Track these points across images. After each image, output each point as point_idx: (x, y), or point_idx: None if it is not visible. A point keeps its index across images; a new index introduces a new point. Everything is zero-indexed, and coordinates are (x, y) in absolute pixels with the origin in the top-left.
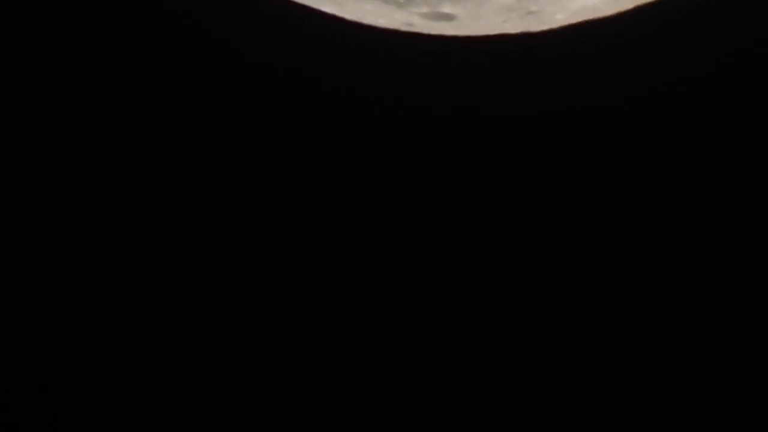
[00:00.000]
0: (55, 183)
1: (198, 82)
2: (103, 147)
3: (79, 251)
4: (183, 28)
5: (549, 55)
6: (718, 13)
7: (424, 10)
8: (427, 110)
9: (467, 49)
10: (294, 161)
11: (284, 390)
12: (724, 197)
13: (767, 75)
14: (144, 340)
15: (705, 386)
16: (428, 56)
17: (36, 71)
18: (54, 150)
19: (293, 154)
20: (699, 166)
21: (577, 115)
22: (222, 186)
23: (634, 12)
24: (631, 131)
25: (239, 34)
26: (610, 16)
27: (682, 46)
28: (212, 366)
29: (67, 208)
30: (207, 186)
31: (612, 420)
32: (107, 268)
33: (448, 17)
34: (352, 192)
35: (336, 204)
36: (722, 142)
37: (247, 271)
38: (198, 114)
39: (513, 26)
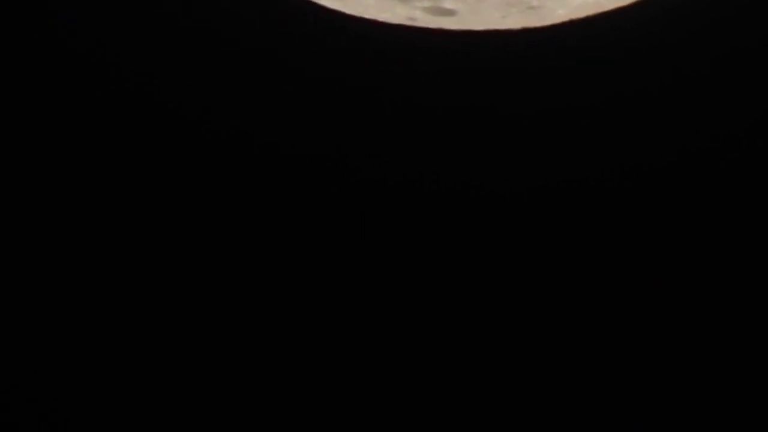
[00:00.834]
0: (55, 183)
1: (197, 80)
2: (103, 147)
3: (80, 251)
4: (182, 25)
5: (550, 50)
6: (721, 7)
7: (426, 4)
8: (427, 105)
9: (468, 44)
10: (295, 160)
11: (287, 391)
12: (731, 191)
13: None
14: (144, 341)
15: (715, 383)
16: (430, 51)
17: (36, 71)
18: (54, 150)
19: (294, 152)
20: (705, 160)
21: (579, 111)
22: (224, 186)
23: (634, 7)
24: (634, 126)
25: (239, 30)
26: (611, 11)
27: (684, 41)
28: (213, 368)
29: (67, 207)
30: (209, 186)
31: (617, 418)
32: (107, 268)
33: (450, 12)
34: (353, 189)
35: (338, 202)
36: (728, 136)
37: (251, 274)
38: (198, 113)
39: (514, 21)
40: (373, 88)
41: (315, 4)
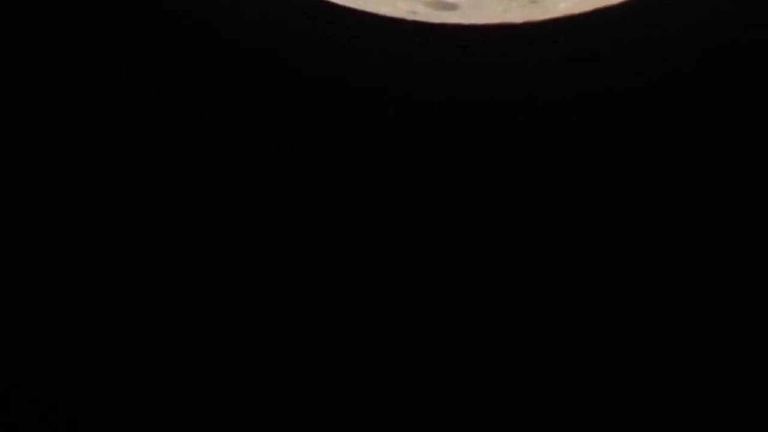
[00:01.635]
0: (55, 183)
1: (197, 78)
2: (103, 147)
3: (79, 251)
4: (182, 25)
5: (552, 44)
6: (726, 1)
7: None
8: (428, 100)
9: (470, 38)
10: (295, 158)
11: (287, 392)
12: (729, 185)
13: None
14: (144, 341)
15: (714, 379)
16: (431, 45)
17: (36, 71)
18: (54, 150)
19: (294, 150)
20: (706, 154)
21: (581, 105)
22: (225, 186)
23: (637, 1)
24: (636, 121)
25: (238, 24)
26: (613, 5)
27: (688, 34)
28: (213, 368)
29: (67, 207)
30: (210, 186)
31: (616, 414)
32: (107, 267)
33: (452, 6)
34: (353, 186)
35: (340, 200)
36: (732, 130)
37: (252, 274)
38: (198, 113)
39: (516, 15)
40: (374, 82)
41: None
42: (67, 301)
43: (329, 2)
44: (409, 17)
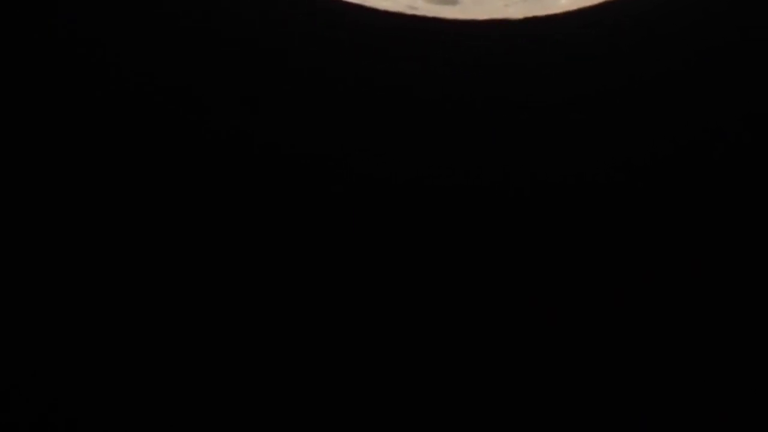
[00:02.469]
0: (55, 183)
1: (197, 78)
2: (103, 147)
3: (79, 251)
4: (181, 23)
5: (553, 39)
6: None
7: None
8: (428, 95)
9: (470, 33)
10: (295, 158)
11: (288, 392)
12: (726, 184)
13: None
14: (144, 341)
15: (712, 377)
16: (431, 40)
17: (36, 71)
18: (54, 150)
19: (293, 147)
20: (702, 152)
21: (580, 101)
22: (226, 186)
23: None
24: (635, 117)
25: (238, 24)
26: (613, 0)
27: (690, 31)
28: (213, 368)
29: (66, 208)
30: (210, 187)
31: (616, 413)
32: (107, 267)
33: (452, 1)
34: (353, 183)
35: (340, 198)
36: (735, 126)
37: (253, 274)
38: (198, 113)
39: (516, 11)
40: (373, 77)
41: None
42: (67, 301)
43: None
44: (409, 12)
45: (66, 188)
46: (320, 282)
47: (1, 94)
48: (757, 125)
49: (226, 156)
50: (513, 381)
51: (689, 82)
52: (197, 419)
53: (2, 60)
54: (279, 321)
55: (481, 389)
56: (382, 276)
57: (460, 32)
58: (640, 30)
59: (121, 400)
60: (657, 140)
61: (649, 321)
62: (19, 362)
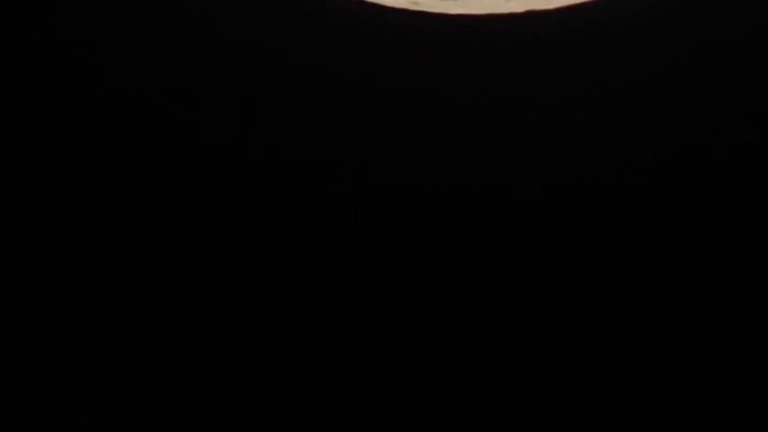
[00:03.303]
0: (55, 182)
1: (197, 78)
2: (103, 146)
3: (79, 251)
4: (181, 23)
5: (554, 34)
6: None
7: None
8: (431, 89)
9: (472, 28)
10: (297, 157)
11: (289, 390)
12: (728, 182)
13: None
14: (144, 340)
15: (712, 375)
16: (434, 35)
17: (36, 71)
18: (54, 149)
19: (295, 147)
20: (711, 147)
21: (584, 96)
22: (227, 186)
23: None
24: (640, 111)
25: (238, 21)
26: None
27: (692, 26)
28: (213, 368)
29: (67, 207)
30: (211, 186)
31: (616, 410)
32: (107, 268)
33: None
34: (356, 183)
35: (341, 198)
36: (737, 121)
37: (254, 273)
38: (198, 113)
39: (518, 5)
40: (375, 73)
41: None
42: (68, 301)
43: None
44: (412, 8)
45: (66, 187)
46: (322, 281)
47: (1, 94)
48: (757, 122)
49: (226, 156)
50: (515, 377)
51: (692, 77)
52: (197, 419)
53: (2, 60)
54: (279, 319)
55: (483, 387)
56: (387, 275)
57: (462, 27)
58: (643, 24)
59: (121, 400)
60: (659, 136)
61: (652, 316)
62: (19, 362)
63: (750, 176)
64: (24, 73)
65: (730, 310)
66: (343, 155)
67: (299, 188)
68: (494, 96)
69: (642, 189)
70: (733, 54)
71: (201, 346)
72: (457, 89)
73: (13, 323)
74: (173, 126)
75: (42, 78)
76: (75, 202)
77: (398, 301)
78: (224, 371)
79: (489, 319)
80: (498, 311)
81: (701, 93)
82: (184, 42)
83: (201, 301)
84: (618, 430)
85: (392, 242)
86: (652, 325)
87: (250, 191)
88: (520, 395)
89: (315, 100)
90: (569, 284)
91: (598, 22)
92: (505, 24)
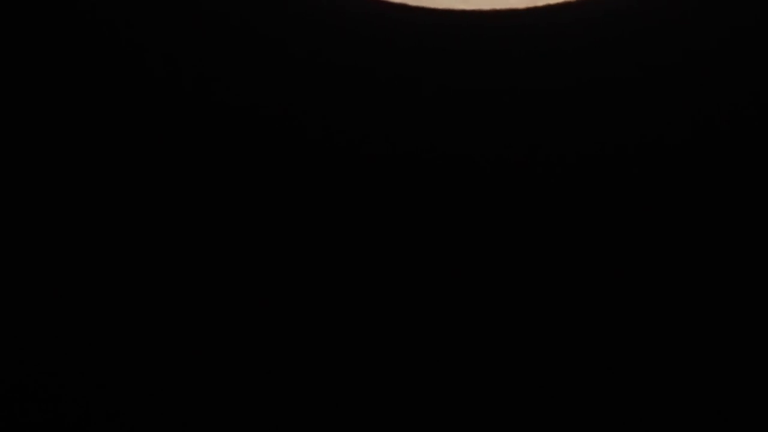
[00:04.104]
0: (61, 177)
1: (210, 63)
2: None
3: (81, 249)
4: (192, 14)
5: (557, 29)
6: None
7: None
8: (431, 85)
9: (474, 23)
10: (298, 139)
11: (290, 389)
12: (727, 177)
13: None
14: (145, 339)
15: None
16: (435, 30)
17: (58, 53)
18: (59, 147)
19: (296, 131)
20: (712, 138)
21: (587, 89)
22: (237, 168)
23: None
24: (641, 104)
25: (244, 14)
26: None
27: (694, 19)
28: (214, 367)
29: (70, 206)
30: (222, 168)
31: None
32: (109, 265)
33: None
34: (354, 169)
35: (340, 183)
36: (738, 116)
37: (255, 273)
38: (213, 97)
39: (519, 0)
40: (376, 67)
41: None
42: (68, 300)
43: None
44: (413, 3)
45: (71, 183)
46: (321, 278)
47: (23, 78)
48: (750, 117)
49: (241, 138)
50: (518, 372)
51: (702, 66)
52: (197, 419)
53: (27, 44)
54: (279, 316)
55: (486, 383)
56: (387, 268)
57: (464, 22)
58: (644, 17)
59: (121, 400)
60: (661, 126)
61: (654, 310)
62: (19, 362)
63: (748, 175)
64: (48, 55)
65: (731, 310)
66: (346, 152)
67: (304, 181)
68: (498, 90)
69: (636, 179)
70: (732, 52)
71: (201, 340)
72: (459, 83)
73: (13, 323)
74: (175, 124)
75: (63, 61)
76: (79, 198)
77: (400, 289)
78: (226, 366)
79: (488, 311)
80: (497, 305)
81: (708, 87)
82: (192, 23)
83: (203, 292)
84: (618, 430)
85: (393, 239)
86: (652, 325)
87: (263, 172)
88: (520, 386)
89: (316, 95)
90: (567, 280)
91: (599, 17)
92: (508, 19)
